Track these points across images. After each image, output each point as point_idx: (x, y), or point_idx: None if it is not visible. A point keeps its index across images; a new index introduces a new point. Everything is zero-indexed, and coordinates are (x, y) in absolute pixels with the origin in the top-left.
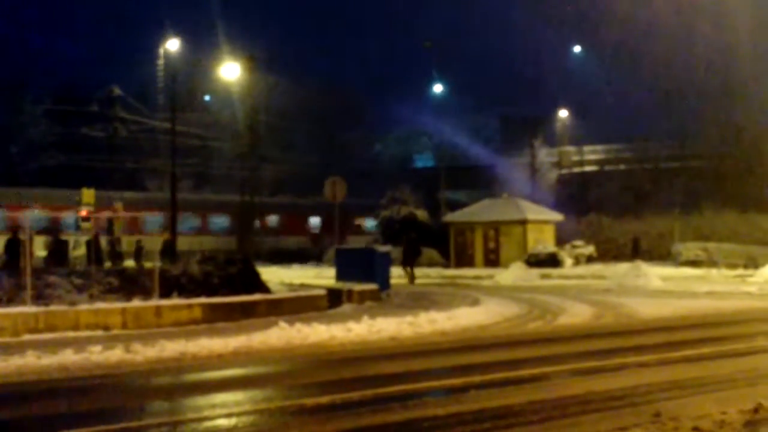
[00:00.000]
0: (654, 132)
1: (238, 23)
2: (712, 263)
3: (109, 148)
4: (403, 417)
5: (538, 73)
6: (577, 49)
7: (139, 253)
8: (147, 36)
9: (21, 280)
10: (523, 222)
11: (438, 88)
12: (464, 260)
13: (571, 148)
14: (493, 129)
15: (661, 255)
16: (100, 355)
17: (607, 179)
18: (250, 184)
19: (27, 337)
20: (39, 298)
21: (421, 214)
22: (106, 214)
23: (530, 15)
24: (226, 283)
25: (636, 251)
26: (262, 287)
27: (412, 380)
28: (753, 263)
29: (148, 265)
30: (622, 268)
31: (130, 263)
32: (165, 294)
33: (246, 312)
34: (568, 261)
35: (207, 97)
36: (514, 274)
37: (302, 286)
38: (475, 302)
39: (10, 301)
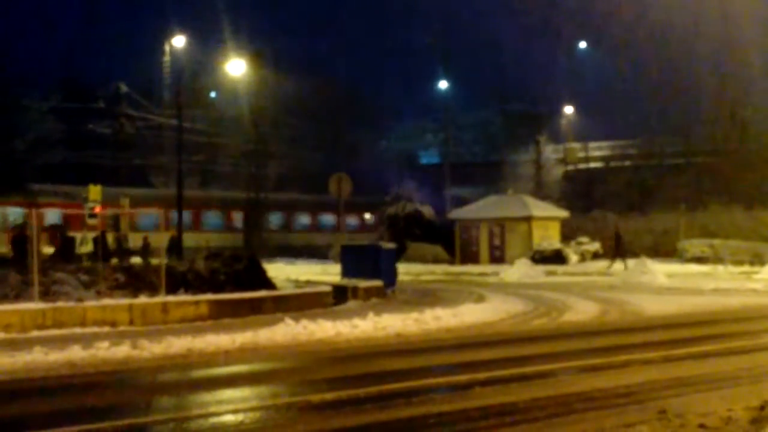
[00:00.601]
0: (659, 128)
1: (243, 19)
2: (717, 260)
3: (115, 145)
4: (408, 413)
5: (543, 69)
6: (582, 44)
7: (146, 250)
8: (153, 32)
9: (28, 276)
10: (529, 218)
11: (443, 85)
12: (469, 257)
13: (576, 145)
14: (498, 125)
15: (667, 252)
16: (107, 352)
17: (612, 176)
18: (256, 181)
19: (35, 333)
20: (46, 294)
21: (426, 210)
22: (112, 211)
23: (536, 11)
24: (232, 279)
25: (618, 247)
26: (268, 284)
27: (418, 377)
28: (759, 260)
29: (154, 261)
30: (628, 264)
31: (136, 260)
32: (172, 290)
33: (252, 308)
34: (574, 258)
35: (213, 94)
36: (519, 270)
37: (308, 282)
38: (480, 299)
39: (17, 298)
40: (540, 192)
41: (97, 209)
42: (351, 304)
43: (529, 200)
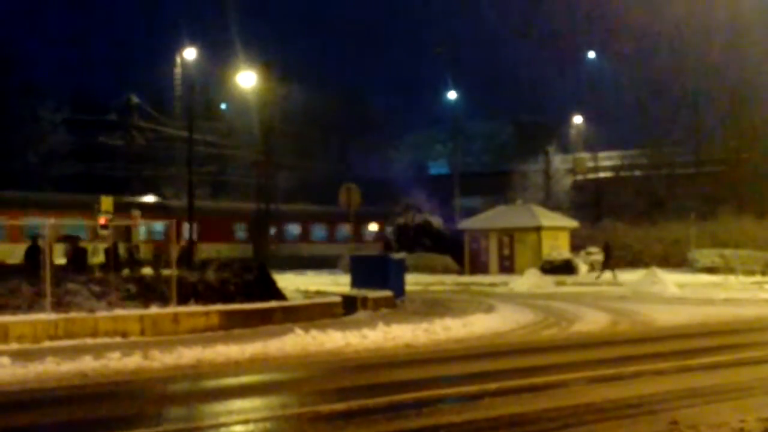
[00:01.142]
0: (669, 138)
1: (253, 32)
2: (729, 270)
3: (127, 157)
4: (418, 424)
5: (552, 79)
6: (591, 54)
7: (157, 261)
8: (164, 45)
9: (41, 287)
10: (538, 229)
11: (452, 95)
12: (478, 267)
13: (585, 155)
14: (507, 135)
15: (677, 261)
16: (118, 362)
17: (622, 185)
18: (265, 192)
19: (47, 343)
20: (59, 305)
21: (436, 220)
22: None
23: (545, 21)
24: (242, 290)
25: (607, 259)
26: (278, 294)
27: (427, 387)
28: None
29: (165, 272)
30: (638, 274)
31: (147, 270)
32: (182, 301)
33: (262, 319)
34: (583, 268)
35: (223, 106)
36: (528, 281)
37: (318, 293)
38: (489, 309)
39: (30, 308)
40: (549, 202)
41: (102, 220)
42: (360, 314)
43: (539, 210)
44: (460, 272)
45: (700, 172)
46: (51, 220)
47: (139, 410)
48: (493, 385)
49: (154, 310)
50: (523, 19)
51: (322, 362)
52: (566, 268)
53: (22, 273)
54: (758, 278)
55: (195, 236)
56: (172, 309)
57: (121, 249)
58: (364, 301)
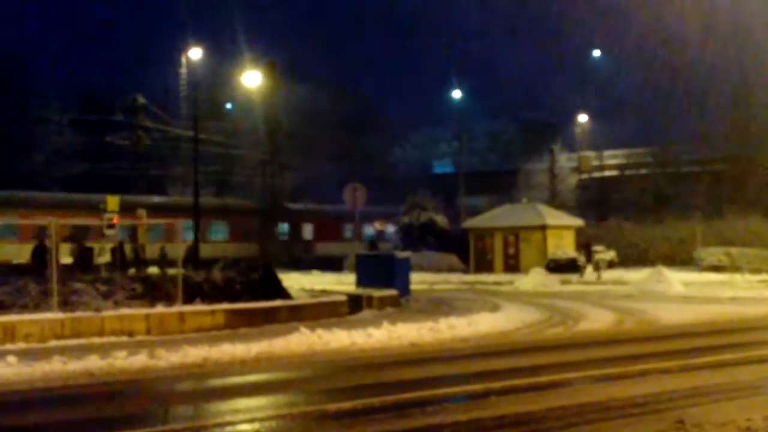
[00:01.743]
0: (675, 136)
1: (259, 32)
2: (735, 268)
3: (133, 156)
4: (423, 423)
5: (557, 78)
6: (596, 53)
7: (162, 260)
8: (170, 45)
9: (47, 286)
10: (543, 227)
11: (457, 94)
12: (484, 266)
13: (590, 153)
14: (512, 134)
15: (683, 260)
16: (124, 361)
17: (627, 184)
18: (271, 191)
19: (53, 342)
20: (65, 304)
21: (441, 219)
22: (130, 221)
23: (549, 21)
24: (248, 289)
25: (588, 258)
26: (284, 293)
27: (433, 386)
28: None
29: (171, 271)
30: (644, 273)
31: (153, 270)
32: (188, 300)
33: (268, 318)
34: (589, 266)
35: (229, 105)
36: (534, 279)
37: (323, 292)
38: (495, 308)
39: (37, 308)
40: (554, 201)
41: (110, 220)
42: (366, 313)
43: (544, 209)
44: (465, 271)
45: (705, 171)
46: (57, 220)
47: (146, 409)
48: (498, 384)
49: (160, 309)
50: (528, 18)
51: (328, 361)
52: (571, 266)
53: (29, 272)
54: (764, 277)
55: (309, 235)
56: (177, 308)
57: (127, 248)
58: (370, 300)
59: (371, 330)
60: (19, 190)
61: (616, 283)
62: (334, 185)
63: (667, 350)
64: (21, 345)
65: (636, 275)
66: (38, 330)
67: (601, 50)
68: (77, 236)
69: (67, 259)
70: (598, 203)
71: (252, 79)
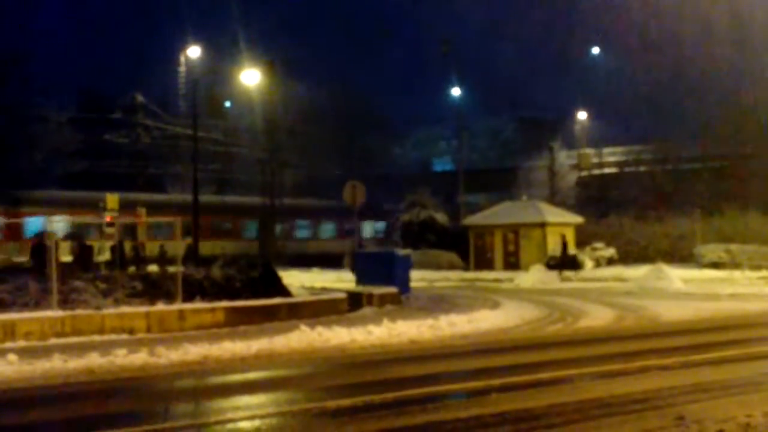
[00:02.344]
0: (675, 133)
1: (258, 30)
2: (735, 265)
3: (132, 155)
4: (423, 420)
5: (556, 74)
6: (595, 50)
7: (162, 258)
8: (168, 43)
9: (47, 285)
10: (543, 225)
11: (456, 91)
12: (484, 263)
13: (590, 150)
14: (512, 131)
15: (683, 257)
16: (124, 359)
17: (627, 181)
18: (271, 189)
19: (53, 340)
20: (65, 302)
21: (441, 217)
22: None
23: (548, 17)
24: (248, 287)
25: (565, 255)
26: (284, 291)
27: (433, 383)
28: None
29: (171, 269)
30: (643, 270)
31: (153, 268)
32: (188, 298)
33: (268, 315)
34: (589, 263)
35: (228, 104)
36: (533, 276)
37: (323, 289)
38: (495, 305)
39: (37, 306)
40: (554, 198)
41: (108, 218)
42: (366, 310)
43: (544, 206)
44: (465, 268)
45: (705, 167)
46: (56, 218)
47: (146, 406)
48: (498, 381)
49: (160, 307)
50: (527, 15)
51: (328, 358)
52: (571, 263)
53: (29, 271)
54: (764, 273)
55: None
56: (177, 306)
57: (127, 247)
58: (370, 297)
59: (371, 327)
60: (15, 189)
61: (616, 280)
62: (334, 183)
63: (667, 347)
64: (21, 343)
65: (636, 272)
66: (38, 328)
67: (601, 47)
68: (77, 234)
69: (66, 258)
70: (597, 200)
71: (251, 77)
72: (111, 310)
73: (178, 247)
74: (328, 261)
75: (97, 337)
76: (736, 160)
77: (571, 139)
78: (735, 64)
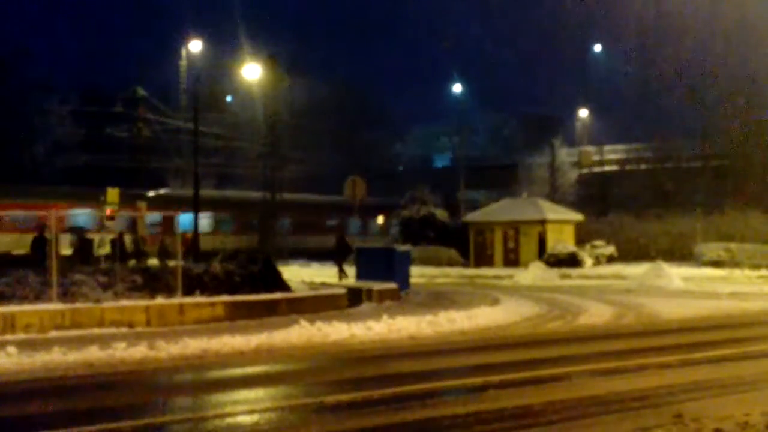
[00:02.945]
0: (676, 131)
1: (259, 24)
2: (734, 264)
3: (133, 148)
4: (422, 415)
5: (558, 72)
6: (597, 48)
7: (162, 252)
8: (170, 37)
9: (47, 277)
10: (543, 222)
11: (457, 88)
12: (483, 260)
13: (591, 148)
14: (513, 128)
15: (683, 255)
16: (124, 352)
17: (627, 179)
18: (271, 184)
19: (53, 333)
20: (65, 295)
21: (441, 213)
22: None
23: (550, 14)
24: (247, 281)
25: (542, 251)
26: (283, 286)
27: (432, 379)
28: None
29: (171, 263)
30: (643, 268)
31: (153, 261)
32: (188, 292)
33: (267, 310)
34: (589, 261)
35: (229, 98)
36: (533, 273)
37: (323, 284)
38: (494, 302)
39: (37, 299)
40: (554, 195)
41: (108, 212)
42: (365, 306)
43: (544, 203)
44: (465, 265)
45: (706, 166)
46: (57, 211)
47: (146, 400)
48: (497, 378)
49: (159, 300)
50: (529, 12)
51: (327, 353)
52: (571, 261)
53: (29, 263)
54: (764, 272)
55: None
56: (177, 300)
57: (127, 240)
58: (369, 293)
59: (371, 323)
60: (16, 182)
61: (615, 278)
62: (335, 178)
63: (666, 345)
64: (21, 335)
65: (636, 270)
66: (38, 320)
67: (602, 45)
68: (77, 227)
69: (67, 251)
70: (598, 198)
71: (252, 72)
72: (111, 304)
73: (177, 241)
74: (329, 256)
75: (96, 330)
76: (737, 159)
77: (572, 136)
78: (737, 62)
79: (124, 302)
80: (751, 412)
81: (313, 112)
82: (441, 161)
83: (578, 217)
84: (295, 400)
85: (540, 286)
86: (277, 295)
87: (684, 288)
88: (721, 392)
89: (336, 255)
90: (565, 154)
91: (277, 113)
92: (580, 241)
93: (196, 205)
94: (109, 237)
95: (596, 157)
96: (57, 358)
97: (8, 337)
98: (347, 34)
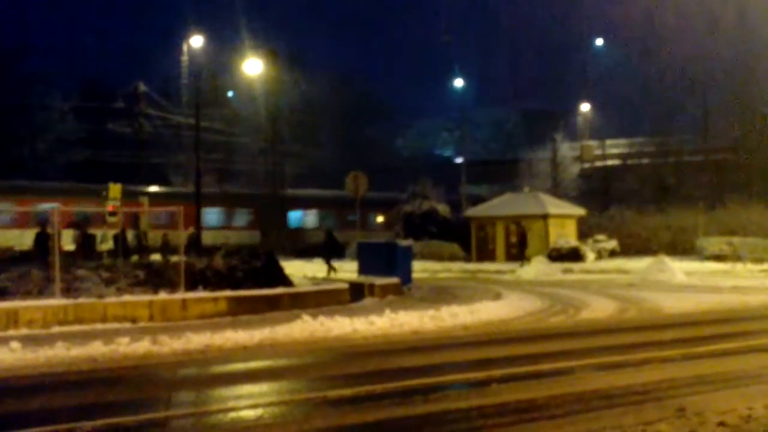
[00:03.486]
0: (678, 125)
1: (260, 20)
2: (737, 258)
3: (135, 144)
4: (425, 410)
5: (560, 66)
6: (599, 42)
7: (165, 247)
8: (170, 32)
9: (50, 273)
10: (545, 216)
11: (459, 83)
12: (485, 254)
13: (593, 142)
14: (515, 123)
15: (685, 249)
16: (127, 347)
17: (629, 173)
18: (273, 179)
19: (56, 328)
20: (68, 290)
21: (443, 208)
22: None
23: (552, 9)
24: (250, 276)
25: (522, 247)
26: (286, 281)
27: (435, 374)
28: None
29: (173, 258)
30: (646, 262)
31: (156, 257)
32: (191, 287)
33: (270, 305)
34: (591, 255)
35: (230, 93)
36: (535, 268)
37: (325, 279)
38: (496, 296)
39: (40, 294)
40: (557, 190)
41: (110, 207)
42: (367, 301)
43: (546, 198)
44: (467, 259)
45: (708, 160)
46: (59, 207)
47: (149, 395)
48: (499, 372)
49: (162, 296)
50: (531, 6)
51: (330, 348)
52: (573, 255)
53: (32, 259)
54: (766, 266)
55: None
56: (180, 295)
57: (129, 236)
58: (372, 287)
59: (373, 318)
60: (22, 179)
61: (618, 272)
62: (336, 173)
63: (669, 339)
64: (24, 331)
65: (638, 264)
66: (41, 316)
67: (604, 39)
68: (80, 223)
69: (69, 246)
70: (600, 192)
71: (253, 67)
72: (114, 299)
73: (180, 236)
74: (318, 253)
75: (99, 326)
76: (739, 153)
77: (574, 131)
78: (739, 57)
79: (127, 297)
80: (754, 405)
81: (313, 107)
82: (443, 156)
83: (580, 211)
84: (298, 395)
85: (542, 281)
86: (280, 290)
87: (686, 282)
88: (724, 386)
89: (324, 251)
90: (567, 149)
91: (278, 108)
92: (583, 235)
93: (198, 200)
94: (111, 232)
95: (598, 152)
96: (60, 353)
97: (12, 332)
98: (348, 29)
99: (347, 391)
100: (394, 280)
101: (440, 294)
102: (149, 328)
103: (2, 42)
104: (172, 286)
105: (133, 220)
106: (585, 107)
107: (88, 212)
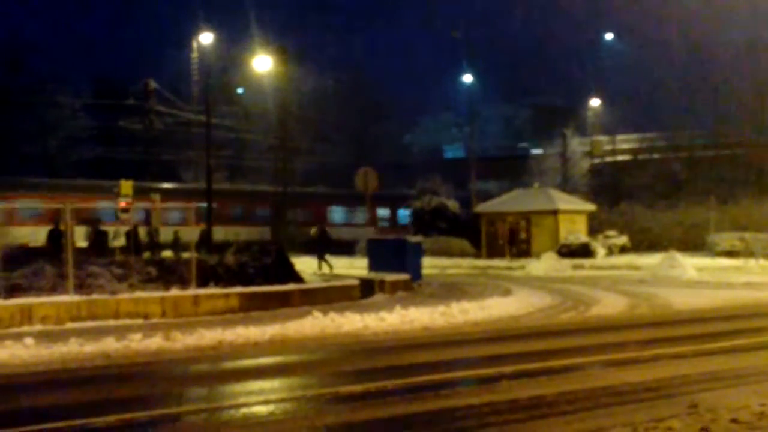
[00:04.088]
0: (688, 120)
1: (270, 16)
2: (748, 254)
3: (146, 141)
4: (436, 406)
5: (570, 61)
6: (609, 36)
7: (176, 244)
8: (181, 29)
9: (63, 269)
10: (555, 212)
11: (467, 78)
12: (495, 251)
13: (603, 137)
14: (524, 118)
15: (696, 245)
16: (140, 343)
17: (640, 168)
18: (283, 175)
19: (70, 325)
20: (81, 287)
21: (452, 204)
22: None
23: (562, 2)
24: (261, 272)
25: (512, 243)
26: (296, 277)
27: (445, 370)
28: None
29: (185, 255)
30: (657, 258)
31: (167, 253)
32: (202, 283)
33: (281, 301)
34: (601, 251)
35: (240, 90)
36: (545, 264)
37: (335, 276)
38: (506, 292)
39: (53, 290)
40: (566, 185)
41: (123, 204)
42: (378, 297)
43: (556, 194)
44: (477, 256)
45: (719, 155)
46: (72, 204)
47: (161, 390)
48: (510, 368)
49: (174, 292)
50: (541, 1)
51: (340, 344)
52: (584, 251)
53: (45, 255)
54: None
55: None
56: (192, 291)
57: (141, 232)
58: (382, 284)
59: (383, 314)
60: (30, 175)
61: (628, 268)
62: (345, 170)
63: (680, 335)
64: (38, 327)
65: (649, 260)
66: (55, 312)
67: (615, 33)
68: (92, 220)
69: (82, 243)
70: (610, 188)
71: (263, 63)
72: (126, 295)
73: (191, 233)
74: (340, 248)
75: (112, 322)
76: (751, 148)
77: (584, 126)
78: (751, 51)
79: (140, 294)
80: (766, 402)
81: (323, 103)
82: (452, 152)
83: (590, 207)
84: (310, 391)
85: (552, 277)
86: (291, 287)
87: (698, 278)
88: (736, 382)
89: (317, 247)
90: (576, 144)
91: (287, 105)
92: (593, 231)
93: (209, 196)
94: (123, 229)
95: (608, 147)
96: (74, 349)
97: (25, 328)
98: (357, 26)
99: (358, 387)
100: (404, 276)
101: (450, 290)
102: (161, 324)
103: (14, 40)
104: (184, 283)
105: (145, 217)
106: (595, 102)
107: (100, 208)
